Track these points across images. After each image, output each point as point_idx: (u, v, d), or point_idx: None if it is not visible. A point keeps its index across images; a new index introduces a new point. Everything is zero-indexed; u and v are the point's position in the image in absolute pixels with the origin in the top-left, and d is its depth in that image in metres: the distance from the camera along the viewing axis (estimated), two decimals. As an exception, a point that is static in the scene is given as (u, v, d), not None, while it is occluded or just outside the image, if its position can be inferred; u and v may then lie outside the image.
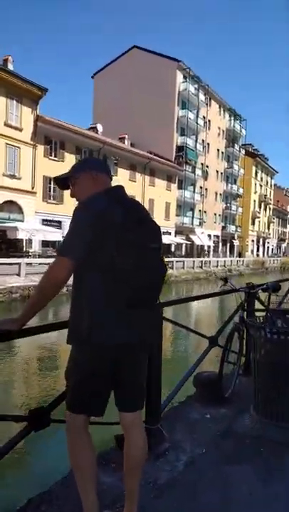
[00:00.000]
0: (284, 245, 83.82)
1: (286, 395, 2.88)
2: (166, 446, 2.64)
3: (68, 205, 29.67)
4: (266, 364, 3.02)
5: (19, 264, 19.08)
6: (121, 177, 34.96)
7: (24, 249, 25.00)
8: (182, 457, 2.57)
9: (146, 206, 37.48)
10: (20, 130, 26.02)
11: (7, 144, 25.21)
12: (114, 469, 2.36)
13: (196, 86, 45.47)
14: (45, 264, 21.08)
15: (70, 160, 29.91)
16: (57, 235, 25.17)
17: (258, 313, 4.14)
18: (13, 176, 25.58)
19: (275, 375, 2.95)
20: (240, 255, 56.87)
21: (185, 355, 9.71)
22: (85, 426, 1.75)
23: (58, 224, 28.89)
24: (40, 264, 21.24)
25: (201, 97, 46.67)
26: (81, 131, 31.10)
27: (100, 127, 36.36)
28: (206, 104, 48.52)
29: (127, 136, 39.32)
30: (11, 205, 25.72)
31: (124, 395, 1.77)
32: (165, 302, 2.68)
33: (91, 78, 49.19)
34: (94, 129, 35.96)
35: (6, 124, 25.08)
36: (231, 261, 45.96)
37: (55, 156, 28.84)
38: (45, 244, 26.78)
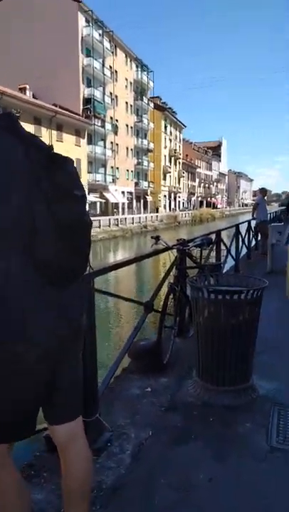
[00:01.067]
0: (193, 199, 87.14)
1: (226, 358, 2.68)
2: (107, 437, 2.27)
3: None
4: (207, 326, 2.77)
5: None
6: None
7: None
8: (127, 446, 2.23)
9: (56, 163, 35.76)
10: None
11: None
12: (46, 480, 1.93)
13: (100, 32, 42.56)
14: None
15: None
16: None
17: (189, 271, 3.90)
18: None
19: (215, 337, 2.72)
20: (157, 210, 57.71)
21: (120, 328, 9.30)
22: (5, 455, 1.25)
23: None
24: None
25: (106, 44, 43.97)
26: (-27, 78, 27.42)
27: (-6, 74, 32.47)
28: (112, 53, 45.98)
29: (28, 87, 35.85)
30: None
31: (57, 400, 1.29)
32: (97, 271, 2.19)
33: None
34: (-12, 76, 31.99)
35: None
36: (146, 217, 46.44)
37: None
38: None
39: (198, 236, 4.33)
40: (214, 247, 5.86)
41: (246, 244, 9.99)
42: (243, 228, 9.69)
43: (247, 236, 10.14)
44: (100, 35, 42.45)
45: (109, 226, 35.39)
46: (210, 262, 5.10)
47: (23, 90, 34.87)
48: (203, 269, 3.61)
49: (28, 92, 35.31)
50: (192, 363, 2.98)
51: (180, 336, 3.76)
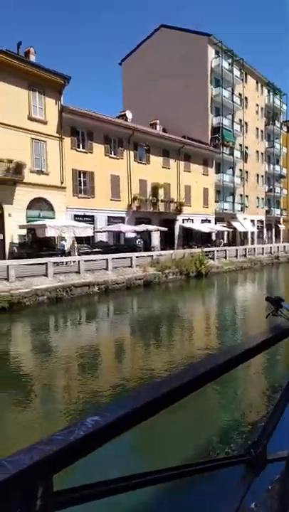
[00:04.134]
0: None
1: None
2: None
3: (100, 199, 28.42)
4: None
5: (46, 264, 17.93)
6: (154, 164, 33.17)
7: (56, 247, 23.99)
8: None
9: (183, 193, 35.94)
10: (45, 123, 24.88)
11: (32, 138, 24.17)
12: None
13: (229, 61, 42.31)
14: (73, 262, 19.92)
15: (99, 150, 28.55)
16: (88, 231, 23.91)
17: None
18: (40, 172, 24.57)
19: None
20: None
21: None
22: None
23: (91, 219, 27.70)
24: (73, 262, 20.08)
25: (236, 72, 43.43)
26: (109, 119, 29.52)
27: (129, 114, 34.61)
28: (242, 80, 45.15)
29: (158, 122, 37.30)
30: (41, 203, 24.76)
31: None
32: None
33: (119, 65, 47.41)
34: (123, 116, 34.28)
35: (30, 118, 24.03)
36: (278, 247, 42.79)
37: (83, 148, 27.51)
38: (80, 240, 25.45)
39: None
40: None
41: None
42: None
43: None
44: (229, 64, 42.16)
45: (236, 257, 33.39)
46: None
47: (153, 126, 36.34)
48: None
49: (158, 127, 36.63)
50: None
51: None
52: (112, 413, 0.98)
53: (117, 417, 0.97)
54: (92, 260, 21.30)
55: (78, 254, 22.78)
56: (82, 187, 27.42)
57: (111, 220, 29.18)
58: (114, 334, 13.23)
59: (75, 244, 23.94)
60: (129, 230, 28.12)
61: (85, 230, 23.71)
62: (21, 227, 23.02)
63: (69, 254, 22.94)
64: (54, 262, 18.64)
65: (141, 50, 44.93)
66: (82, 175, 27.35)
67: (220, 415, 6.55)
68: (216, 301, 20.49)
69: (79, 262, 19.79)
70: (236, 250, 34.37)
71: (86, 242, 26.47)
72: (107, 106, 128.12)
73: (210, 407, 6.72)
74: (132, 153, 31.18)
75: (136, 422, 1.04)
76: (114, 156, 29.81)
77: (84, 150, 27.56)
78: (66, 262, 19.96)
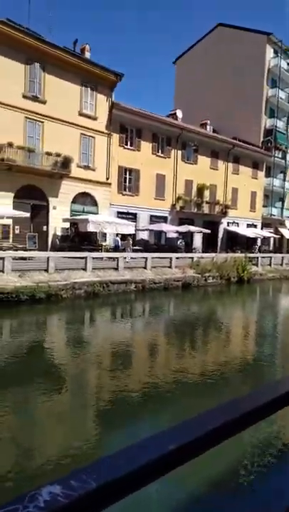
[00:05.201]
0: None
1: None
2: None
3: (144, 197, 28.28)
4: None
5: (85, 258, 18.01)
6: (201, 165, 32.53)
7: (98, 242, 24.16)
8: None
9: (229, 196, 34.87)
10: (95, 119, 25.11)
11: (82, 134, 24.48)
12: None
13: (288, 61, 40.59)
14: (113, 258, 19.88)
15: (146, 148, 28.42)
16: (130, 228, 23.81)
17: None
18: (87, 167, 24.83)
19: None
20: None
21: None
22: None
23: (133, 216, 27.63)
24: (110, 258, 20.10)
25: (295, 73, 41.56)
26: (158, 117, 29.27)
27: (179, 113, 34.19)
28: (301, 81, 43.14)
29: (208, 122, 36.54)
30: (85, 197, 25.04)
31: None
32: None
33: (173, 64, 47.08)
34: (174, 115, 33.90)
35: (81, 114, 24.33)
36: None
37: (130, 145, 27.49)
38: (123, 237, 25.47)
39: None
40: None
41: None
42: None
43: None
44: (288, 64, 40.45)
45: (281, 265, 31.96)
46: None
47: (203, 126, 35.66)
48: None
49: (208, 127, 35.89)
50: None
51: None
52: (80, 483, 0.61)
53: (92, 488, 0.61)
54: (132, 258, 21.19)
55: (132, 251, 22.91)
56: (128, 184, 27.41)
57: (153, 219, 28.94)
58: (147, 334, 12.97)
59: (130, 241, 24.09)
60: (171, 229, 27.74)
61: (127, 228, 23.65)
62: (65, 220, 23.38)
63: (124, 250, 23.09)
64: (94, 257, 18.68)
65: (196, 49, 44.29)
66: (128, 172, 27.33)
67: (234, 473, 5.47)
68: (256, 310, 19.64)
69: (118, 258, 19.73)
70: (282, 258, 32.90)
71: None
72: (158, 105, 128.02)
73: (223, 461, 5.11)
74: (179, 152, 30.75)
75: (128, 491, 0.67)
76: (162, 155, 29.53)
77: (132, 147, 27.52)
78: (108, 258, 19.96)
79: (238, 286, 24.28)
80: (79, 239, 23.43)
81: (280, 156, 40.62)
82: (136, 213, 27.89)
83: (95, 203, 25.49)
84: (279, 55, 39.18)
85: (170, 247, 27.19)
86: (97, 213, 24.91)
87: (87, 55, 25.91)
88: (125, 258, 20.48)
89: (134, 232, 25.08)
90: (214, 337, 13.07)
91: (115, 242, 23.94)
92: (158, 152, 29.27)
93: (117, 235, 24.14)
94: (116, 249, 23.42)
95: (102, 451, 5.56)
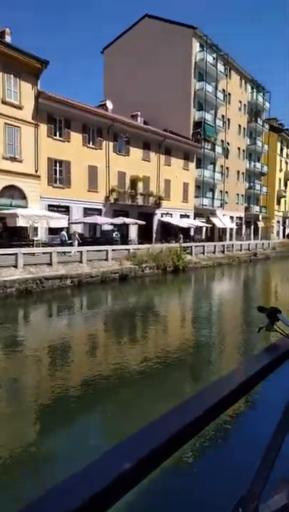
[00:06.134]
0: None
1: None
2: None
3: (77, 189, 27.58)
4: None
5: (16, 254, 17.09)
6: (134, 156, 32.48)
7: (28, 237, 23.09)
8: None
9: (162, 187, 35.30)
10: (20, 108, 23.82)
11: (6, 123, 23.09)
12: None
13: (214, 55, 41.85)
14: (46, 253, 19.13)
15: (77, 140, 27.66)
16: (63, 222, 23.08)
17: None
18: (13, 159, 23.54)
19: None
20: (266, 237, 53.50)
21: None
22: None
23: (66, 209, 26.84)
24: (44, 253, 19.30)
25: (220, 67, 42.98)
26: (88, 107, 28.59)
27: (109, 104, 33.74)
28: (226, 76, 44.79)
29: (139, 114, 36.55)
30: (13, 191, 23.73)
31: None
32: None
33: (101, 54, 46.30)
34: (103, 106, 33.38)
35: (4, 102, 22.93)
36: (256, 244, 42.89)
37: (60, 136, 26.56)
38: (55, 231, 24.58)
39: None
40: None
41: None
42: None
43: None
44: (214, 58, 41.72)
45: (214, 253, 33.18)
46: None
47: (134, 117, 35.58)
48: None
49: (139, 119, 35.91)
50: None
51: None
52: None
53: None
54: (65, 252, 20.57)
55: (78, 245, 22.32)
56: (58, 176, 26.50)
57: (87, 212, 28.38)
58: (84, 329, 12.63)
59: (77, 235, 23.40)
60: (105, 222, 27.42)
61: (59, 221, 22.90)
62: (-9, 215, 22.02)
63: (70, 244, 22.35)
64: (25, 253, 17.78)
65: (124, 39, 43.93)
66: (58, 164, 26.41)
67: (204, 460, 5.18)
68: (191, 296, 20.12)
69: (51, 253, 19.03)
70: (214, 246, 34.16)
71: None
72: (89, 95, 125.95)
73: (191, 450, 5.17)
74: (111, 144, 30.39)
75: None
76: (93, 146, 28.96)
77: (61, 138, 26.61)
78: (42, 253, 19.12)
79: (174, 275, 24.72)
80: (7, 234, 22.19)
81: (209, 147, 41.92)
82: (68, 206, 27.12)
83: (23, 196, 24.29)
84: (205, 49, 40.21)
85: (106, 240, 26.88)
86: (26, 207, 23.78)
87: (8, 39, 24.44)
88: (70, 252, 20.12)
89: (67, 225, 24.37)
90: (152, 326, 13.11)
91: (62, 237, 23.35)
92: (89, 143, 28.66)
93: (63, 229, 23.65)
94: (63, 244, 22.78)
95: (40, 453, 5.22)
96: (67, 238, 23.52)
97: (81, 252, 20.93)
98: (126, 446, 0.71)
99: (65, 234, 23.64)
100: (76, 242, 22.86)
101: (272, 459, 1.35)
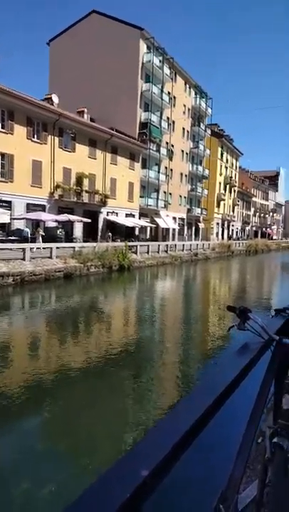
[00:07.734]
0: (248, 228, 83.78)
1: None
2: None
3: (20, 184, 26.61)
4: None
5: None
6: (80, 153, 32.05)
7: None
8: None
9: (108, 186, 35.17)
10: None
11: None
12: None
13: (160, 58, 42.54)
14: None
15: (20, 132, 26.67)
16: (4, 217, 22.18)
17: None
18: None
19: None
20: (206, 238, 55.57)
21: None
22: None
23: (8, 204, 25.77)
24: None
25: (166, 70, 43.81)
26: (32, 99, 27.61)
27: (55, 98, 32.87)
28: (171, 79, 45.76)
29: (86, 110, 36.08)
30: None
31: None
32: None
33: (47, 45, 44.99)
34: (49, 99, 32.43)
35: None
36: (197, 244, 44.40)
37: (2, 128, 25.42)
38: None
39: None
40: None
41: None
42: None
43: None
44: (160, 61, 42.43)
45: (158, 252, 33.81)
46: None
47: (81, 113, 35.06)
48: None
49: (85, 116, 35.46)
50: None
51: None
52: None
53: None
54: (7, 249, 19.77)
55: (42, 241, 21.62)
56: (0, 170, 25.36)
57: (30, 208, 27.47)
58: (26, 328, 12.26)
59: (40, 231, 22.57)
60: (50, 218, 26.75)
61: (1, 216, 21.96)
62: None
63: (34, 240, 21.45)
64: None
65: (72, 32, 43.10)
66: (0, 157, 25.27)
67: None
68: (136, 295, 20.36)
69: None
70: (158, 246, 34.81)
71: (1, 230, 24.59)
72: (35, 89, 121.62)
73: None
74: (56, 139, 29.70)
75: None
76: (38, 141, 28.10)
77: (3, 130, 25.49)
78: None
79: (119, 274, 24.82)
80: None
81: (154, 148, 42.58)
82: (10, 201, 26.05)
83: None
84: (152, 51, 40.73)
85: (50, 237, 26.25)
86: None
87: None
88: (32, 249, 19.59)
89: (8, 221, 23.44)
90: (96, 324, 13.09)
91: (25, 233, 22.61)
92: (33, 137, 27.76)
93: (26, 225, 23.08)
94: (26, 240, 22.00)
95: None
96: (29, 235, 22.86)
97: (24, 249, 20.25)
98: (125, 465, 0.74)
99: (28, 230, 22.96)
100: (40, 239, 22.23)
101: (247, 451, 1.48)
